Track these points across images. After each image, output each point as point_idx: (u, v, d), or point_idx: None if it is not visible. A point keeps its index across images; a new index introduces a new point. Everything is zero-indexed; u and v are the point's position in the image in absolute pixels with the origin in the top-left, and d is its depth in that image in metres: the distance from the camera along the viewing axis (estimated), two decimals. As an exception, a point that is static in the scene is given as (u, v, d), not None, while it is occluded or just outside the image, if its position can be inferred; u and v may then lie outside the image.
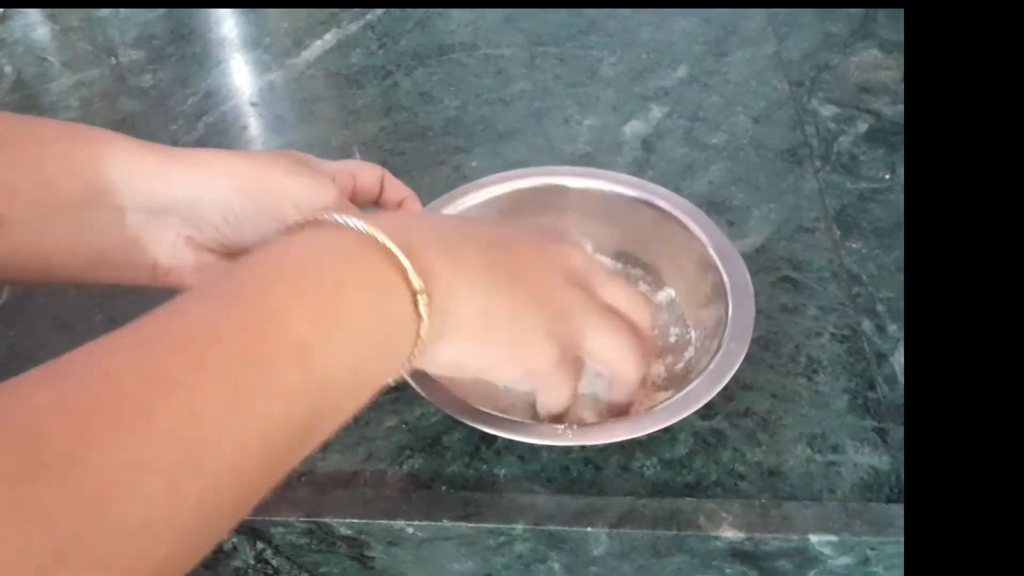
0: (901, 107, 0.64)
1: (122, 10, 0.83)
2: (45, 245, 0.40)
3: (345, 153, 0.64)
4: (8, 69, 0.77)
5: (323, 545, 0.43)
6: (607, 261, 0.53)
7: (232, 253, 0.44)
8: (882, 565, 0.40)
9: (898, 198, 0.57)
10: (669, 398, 0.42)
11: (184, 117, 0.70)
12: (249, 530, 0.43)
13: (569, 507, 0.41)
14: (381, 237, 0.32)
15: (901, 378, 0.47)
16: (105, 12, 0.83)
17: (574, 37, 0.74)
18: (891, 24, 0.73)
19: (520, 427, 0.41)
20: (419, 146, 0.65)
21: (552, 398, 0.41)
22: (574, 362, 0.39)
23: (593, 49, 0.73)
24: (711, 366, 0.43)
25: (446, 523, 0.41)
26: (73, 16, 0.83)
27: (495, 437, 0.42)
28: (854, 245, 0.54)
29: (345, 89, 0.71)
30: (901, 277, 0.52)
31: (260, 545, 0.43)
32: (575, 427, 0.41)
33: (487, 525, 0.41)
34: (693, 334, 0.49)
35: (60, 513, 0.23)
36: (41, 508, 0.23)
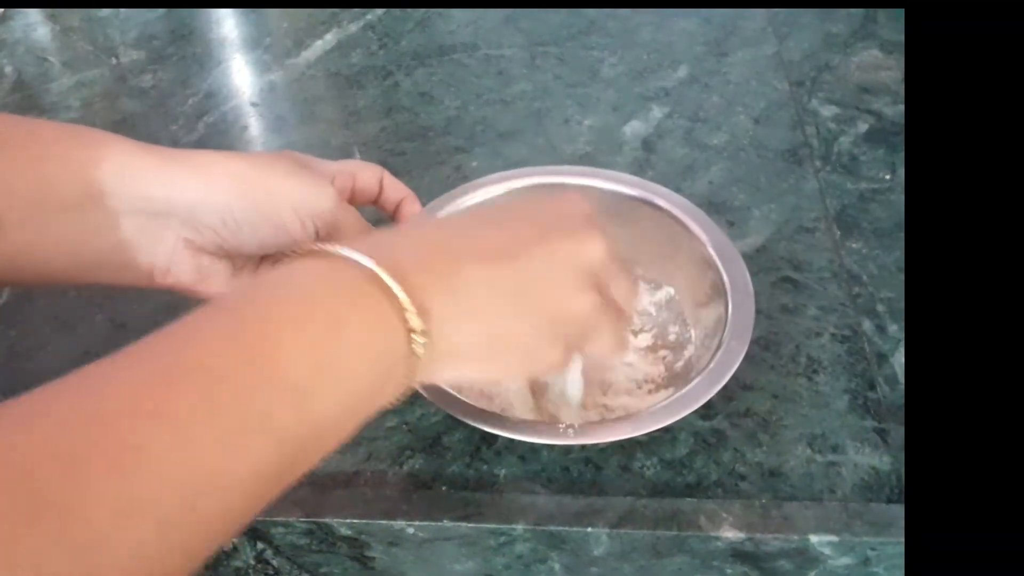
0: (901, 107, 0.64)
1: (122, 10, 0.83)
2: (44, 247, 0.40)
3: (345, 153, 0.64)
4: (8, 69, 0.77)
5: (323, 545, 0.43)
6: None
7: (231, 255, 0.44)
8: (883, 565, 0.40)
9: (898, 198, 0.57)
10: (669, 397, 0.42)
11: (184, 117, 0.70)
12: (250, 530, 0.43)
13: (569, 507, 0.41)
14: (385, 276, 0.32)
15: (901, 378, 0.47)
16: (105, 12, 0.83)
17: (574, 37, 0.74)
18: (891, 24, 0.73)
19: (521, 426, 0.41)
20: (419, 146, 0.65)
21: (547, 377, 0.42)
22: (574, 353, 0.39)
23: (593, 49, 0.73)
24: (711, 364, 0.43)
25: (446, 523, 0.41)
26: (73, 16, 0.83)
27: (495, 437, 0.42)
28: (854, 245, 0.54)
29: (345, 89, 0.71)
30: (901, 277, 0.52)
31: (260, 545, 0.43)
32: (576, 427, 0.41)
33: (487, 525, 0.41)
34: (693, 333, 0.49)
35: (51, 560, 0.23)
36: (32, 555, 0.22)
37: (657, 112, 0.66)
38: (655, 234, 0.51)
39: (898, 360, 0.48)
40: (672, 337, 0.50)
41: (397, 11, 0.79)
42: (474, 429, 0.42)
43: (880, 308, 0.51)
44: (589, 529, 0.41)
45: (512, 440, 0.43)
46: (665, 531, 0.40)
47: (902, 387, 0.46)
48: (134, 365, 0.28)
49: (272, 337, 0.29)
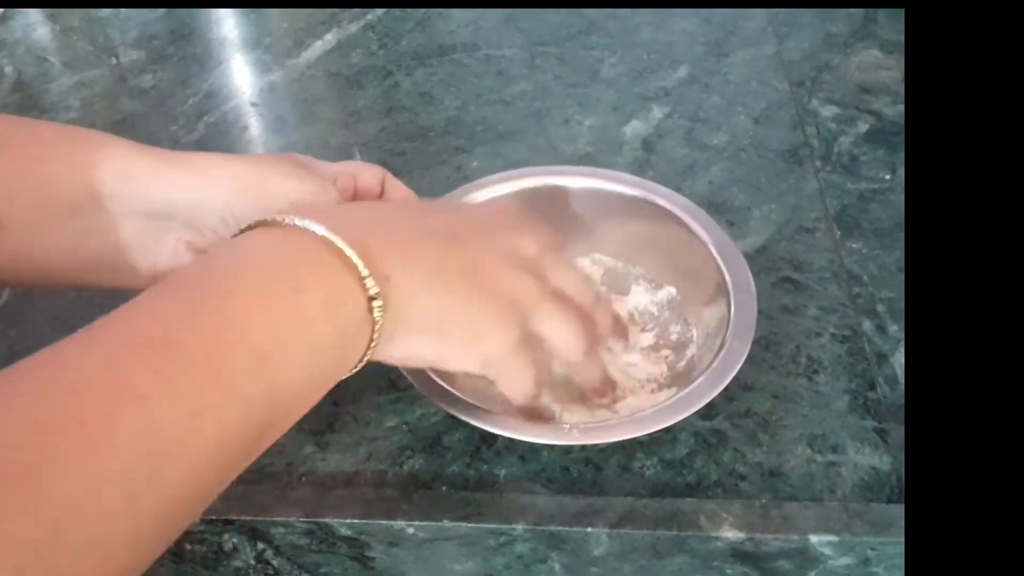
0: (901, 107, 0.64)
1: (122, 10, 0.83)
2: (44, 248, 0.40)
3: (346, 154, 0.64)
4: (8, 69, 0.77)
5: (323, 545, 0.43)
6: (606, 260, 0.53)
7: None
8: (883, 565, 0.40)
9: (899, 198, 0.57)
10: (671, 397, 0.42)
11: (185, 117, 0.70)
12: (250, 530, 0.43)
13: (570, 507, 0.41)
14: (340, 243, 0.33)
15: (902, 378, 0.47)
16: (105, 12, 0.83)
17: (574, 37, 0.74)
18: (891, 24, 0.73)
19: (521, 426, 0.41)
20: (420, 146, 0.65)
21: (514, 385, 0.40)
22: (530, 350, 0.39)
23: (594, 49, 0.73)
24: (714, 364, 0.43)
25: (446, 523, 0.41)
26: (73, 16, 0.83)
27: (495, 437, 0.42)
28: (855, 245, 0.54)
29: (346, 89, 0.71)
30: (902, 277, 0.52)
31: (260, 545, 0.43)
32: (578, 427, 0.41)
33: (488, 525, 0.41)
34: (695, 332, 0.49)
35: (21, 530, 0.23)
36: (3, 521, 0.23)
37: (657, 112, 0.66)
38: (656, 234, 0.51)
39: (898, 360, 0.48)
40: (674, 337, 0.50)
41: (397, 11, 0.79)
42: (474, 429, 0.42)
43: (880, 308, 0.51)
44: (589, 529, 0.41)
45: (512, 440, 0.43)
46: (665, 531, 0.40)
47: (902, 387, 0.46)
48: (98, 339, 0.28)
49: (232, 306, 0.30)
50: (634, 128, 0.64)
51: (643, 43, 0.73)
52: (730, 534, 0.40)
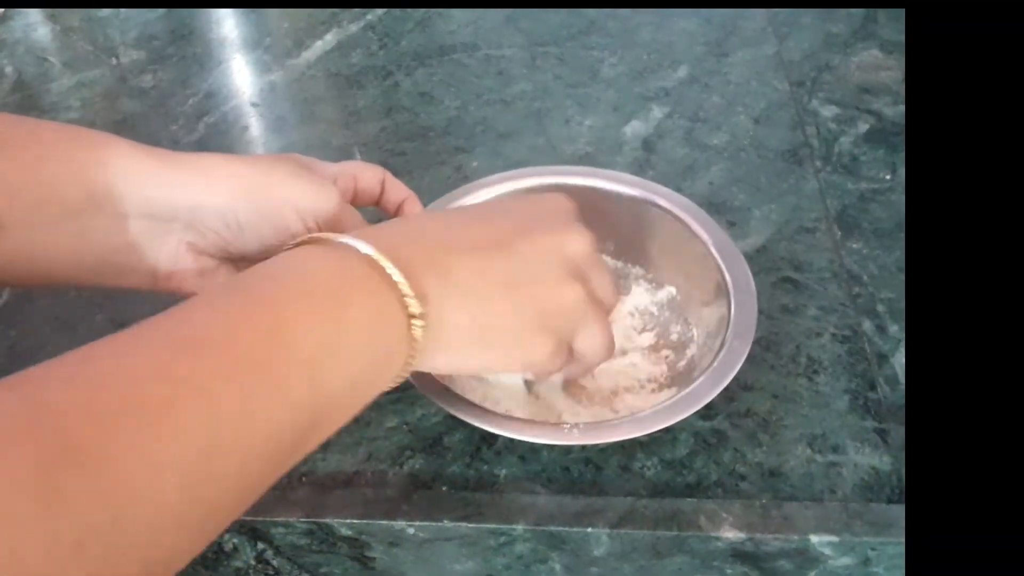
0: (902, 107, 0.64)
1: (123, 10, 0.83)
2: (45, 248, 0.40)
3: (346, 154, 0.64)
4: (9, 69, 0.77)
5: (324, 545, 0.43)
6: (606, 260, 0.53)
7: (233, 258, 0.44)
8: (883, 565, 0.40)
9: (899, 198, 0.57)
10: (671, 397, 0.42)
11: (185, 118, 0.70)
12: (250, 530, 0.43)
13: (570, 507, 0.41)
14: (384, 263, 0.34)
15: (902, 378, 0.47)
16: (106, 12, 0.83)
17: (574, 37, 0.74)
18: (891, 24, 0.73)
19: (521, 426, 0.41)
20: (420, 146, 0.65)
21: (542, 376, 0.45)
22: (569, 349, 0.40)
23: (594, 49, 0.73)
24: (714, 364, 0.43)
25: (447, 523, 0.41)
26: (73, 16, 0.83)
27: (496, 437, 0.42)
28: (855, 245, 0.54)
29: (346, 89, 0.71)
30: (902, 277, 0.52)
31: (261, 545, 0.43)
32: (578, 427, 0.41)
33: (488, 525, 0.41)
34: (695, 331, 0.49)
35: (83, 505, 0.24)
36: (66, 499, 0.24)
37: (657, 112, 0.66)
38: (656, 234, 0.51)
39: (898, 360, 0.48)
40: (674, 337, 0.50)
41: (397, 11, 0.79)
42: (474, 429, 0.42)
43: (880, 308, 0.51)
44: (589, 529, 0.41)
45: (512, 440, 0.43)
46: (665, 531, 0.40)
47: (902, 387, 0.46)
48: (156, 334, 0.29)
49: (283, 314, 0.31)
50: (634, 128, 0.64)
51: (643, 43, 0.73)
52: (730, 534, 0.40)
